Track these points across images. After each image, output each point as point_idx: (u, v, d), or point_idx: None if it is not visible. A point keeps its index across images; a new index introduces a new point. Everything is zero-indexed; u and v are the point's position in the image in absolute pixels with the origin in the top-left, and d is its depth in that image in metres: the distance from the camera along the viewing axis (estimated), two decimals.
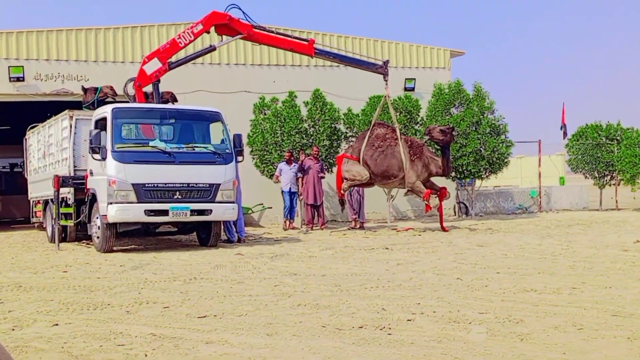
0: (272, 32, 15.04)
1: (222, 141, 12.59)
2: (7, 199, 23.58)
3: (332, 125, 17.73)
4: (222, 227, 13.23)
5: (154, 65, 13.47)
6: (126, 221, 11.76)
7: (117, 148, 11.64)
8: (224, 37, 14.64)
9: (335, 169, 17.33)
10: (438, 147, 15.58)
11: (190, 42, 14.04)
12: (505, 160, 18.87)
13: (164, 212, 11.66)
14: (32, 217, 17.30)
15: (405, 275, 8.27)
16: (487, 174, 18.97)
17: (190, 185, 11.87)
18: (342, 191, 15.72)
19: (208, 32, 14.26)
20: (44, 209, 15.41)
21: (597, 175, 22.40)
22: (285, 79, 19.68)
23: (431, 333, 5.19)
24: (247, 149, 16.15)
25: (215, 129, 12.92)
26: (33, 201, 17.02)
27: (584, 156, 22.29)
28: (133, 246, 13.23)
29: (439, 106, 18.73)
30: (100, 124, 12.09)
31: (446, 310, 5.97)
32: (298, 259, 10.35)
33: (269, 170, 17.35)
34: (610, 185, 22.68)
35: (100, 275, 8.87)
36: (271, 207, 18.60)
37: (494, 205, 22.31)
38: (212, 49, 14.73)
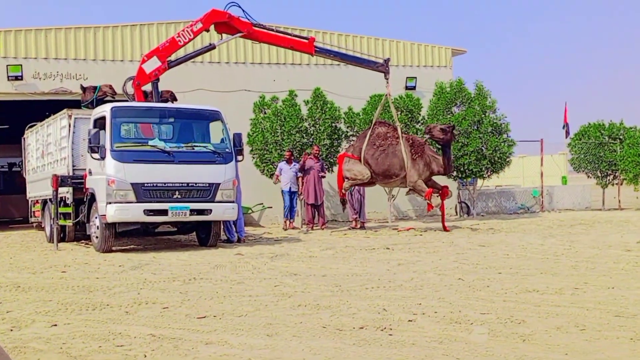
0: (272, 30, 15.03)
1: (222, 140, 12.58)
2: (5, 198, 23.58)
3: (333, 124, 17.72)
4: (222, 227, 13.23)
5: (153, 64, 13.47)
6: (125, 221, 11.76)
7: (116, 147, 11.64)
8: (224, 35, 14.64)
9: (335, 168, 17.34)
10: (439, 147, 15.57)
11: (190, 40, 14.04)
12: (507, 159, 18.87)
13: (163, 212, 11.66)
14: (31, 216, 17.30)
15: (406, 275, 8.27)
16: (489, 173, 18.96)
17: (189, 184, 11.87)
18: (343, 190, 15.72)
19: (208, 31, 14.26)
20: (43, 209, 15.41)
21: (599, 174, 22.41)
22: (285, 77, 19.68)
23: (432, 334, 5.19)
24: (247, 148, 16.16)
25: (215, 128, 12.92)
26: (31, 201, 17.02)
27: (587, 155, 22.29)
28: (132, 246, 13.23)
29: (440, 105, 18.72)
30: (99, 123, 12.09)
31: (447, 311, 5.97)
32: (298, 259, 10.35)
33: (269, 170, 17.35)
34: (612, 184, 22.69)
35: (99, 275, 8.88)
36: (271, 207, 18.60)
37: (495, 205, 22.31)
38: (211, 47, 14.74)
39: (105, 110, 12.04)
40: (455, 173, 18.30)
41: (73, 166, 13.14)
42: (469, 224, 17.10)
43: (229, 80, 19.35)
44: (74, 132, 13.15)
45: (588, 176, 23.05)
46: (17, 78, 17.52)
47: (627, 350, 4.66)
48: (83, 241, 13.88)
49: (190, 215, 11.83)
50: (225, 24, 14.24)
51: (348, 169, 15.47)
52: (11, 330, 5.62)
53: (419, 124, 18.31)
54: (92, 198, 12.16)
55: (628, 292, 6.74)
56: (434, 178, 15.60)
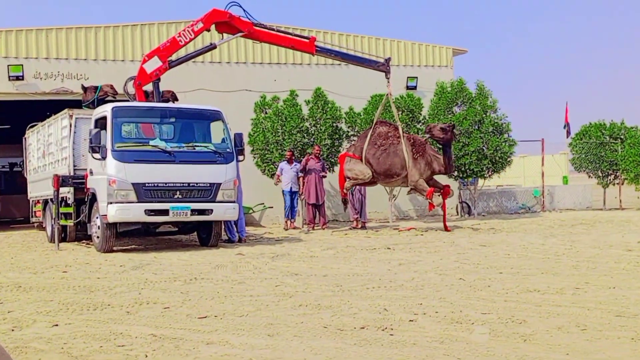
0: (273, 29, 15.03)
1: (223, 140, 12.59)
2: (6, 198, 23.60)
3: (334, 124, 17.72)
4: (223, 226, 13.23)
5: (154, 64, 13.48)
6: (126, 221, 11.77)
7: (117, 147, 11.64)
8: (225, 35, 14.64)
9: (336, 168, 17.34)
10: (440, 146, 15.56)
11: (191, 40, 14.05)
12: (508, 159, 18.86)
13: (165, 212, 11.67)
14: (32, 216, 17.31)
15: (407, 275, 8.28)
16: (490, 173, 18.96)
17: (190, 184, 11.87)
18: (344, 190, 15.73)
19: (208, 30, 14.26)
20: (44, 209, 15.42)
21: (600, 174, 22.40)
22: (286, 77, 19.68)
23: (433, 334, 5.19)
24: (248, 148, 16.15)
25: (216, 128, 12.92)
26: (32, 201, 17.03)
27: (588, 155, 22.28)
28: (133, 246, 13.24)
29: (441, 105, 18.72)
30: (100, 123, 12.10)
31: (448, 311, 5.97)
32: (299, 259, 10.35)
33: (270, 170, 17.35)
34: (614, 184, 22.68)
35: (100, 275, 8.88)
36: (272, 207, 18.60)
37: (496, 204, 22.30)
38: (212, 47, 14.74)
39: (106, 110, 12.05)
40: (456, 173, 18.30)
41: (74, 166, 13.14)
42: (470, 223, 17.09)
43: (230, 80, 19.35)
44: (75, 132, 13.16)
45: (589, 176, 23.03)
46: (18, 78, 17.52)
47: (628, 350, 4.66)
48: (84, 241, 13.89)
49: (191, 215, 11.84)
50: (226, 24, 14.24)
51: (349, 168, 15.47)
52: (12, 330, 5.63)
53: (420, 123, 18.31)
54: (93, 198, 12.17)
55: (629, 292, 6.74)
56: (436, 177, 15.60)
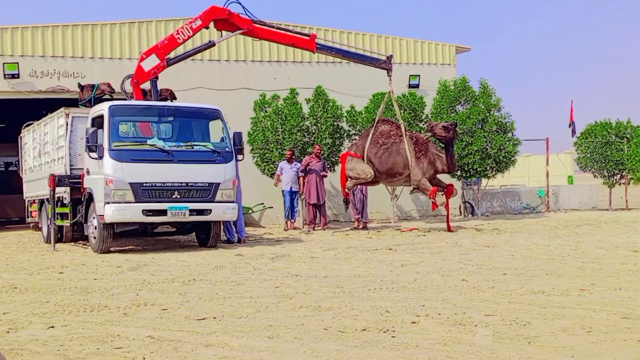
0: (273, 27, 15.03)
1: (222, 139, 12.59)
2: (2, 198, 23.61)
3: (335, 123, 17.71)
4: (222, 227, 13.24)
5: (152, 62, 13.47)
6: (123, 221, 11.76)
7: (115, 146, 11.64)
8: (224, 32, 14.63)
9: (337, 168, 17.33)
10: (442, 145, 15.55)
11: (189, 37, 14.04)
12: (512, 158, 18.85)
13: (162, 212, 11.66)
14: (28, 217, 17.30)
15: (409, 276, 8.27)
16: (494, 172, 18.95)
17: (189, 184, 11.87)
18: (346, 190, 15.72)
19: (207, 28, 14.26)
20: (40, 209, 15.41)
21: (606, 174, 22.40)
22: (286, 75, 19.68)
23: (436, 336, 5.19)
24: (247, 148, 16.15)
25: (214, 127, 12.92)
26: (28, 201, 17.03)
27: (593, 154, 22.28)
28: (131, 247, 13.24)
29: (444, 103, 18.72)
30: (97, 121, 12.10)
31: (451, 313, 5.97)
32: (299, 259, 10.35)
33: (270, 169, 17.35)
34: (620, 184, 22.68)
35: (97, 276, 8.88)
36: (272, 207, 18.60)
37: (500, 204, 22.30)
38: (211, 44, 14.73)
39: (103, 108, 12.05)
40: (459, 172, 18.30)
41: (70, 165, 13.14)
42: (473, 224, 17.09)
43: (229, 78, 19.35)
44: (71, 131, 13.15)
45: (595, 176, 23.03)
46: (13, 76, 17.52)
47: (634, 352, 4.65)
48: (81, 242, 13.89)
49: (189, 215, 11.84)
50: (225, 21, 14.24)
51: (351, 168, 15.47)
52: (7, 332, 5.63)
53: (423, 122, 18.30)
54: (90, 198, 12.17)
55: (635, 294, 6.74)
56: (439, 177, 15.59)
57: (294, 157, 16.73)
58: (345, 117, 18.08)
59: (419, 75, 20.96)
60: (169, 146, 12.03)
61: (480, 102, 18.53)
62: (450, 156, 14.95)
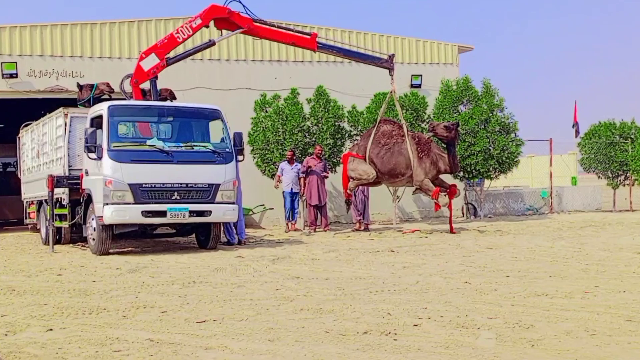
0: (274, 26, 15.04)
1: (222, 140, 12.59)
2: (0, 199, 23.61)
3: (336, 123, 17.71)
4: (222, 228, 13.24)
5: (151, 61, 13.48)
6: (123, 223, 11.76)
7: (114, 147, 11.64)
8: (224, 31, 14.64)
9: (338, 169, 17.34)
10: (443, 145, 15.54)
11: (189, 37, 14.05)
12: (515, 159, 18.84)
13: (162, 213, 11.66)
14: (26, 218, 17.32)
15: (411, 278, 8.28)
16: (497, 173, 18.94)
17: (189, 185, 11.87)
18: (348, 191, 15.71)
19: (207, 27, 14.26)
20: (38, 210, 15.42)
21: (610, 175, 22.39)
22: (287, 75, 19.69)
23: (438, 339, 5.19)
24: (247, 148, 16.16)
25: (214, 127, 12.92)
26: (26, 202, 17.04)
27: (597, 155, 22.27)
28: (130, 248, 13.25)
29: (447, 103, 18.71)
30: (96, 122, 12.10)
31: (454, 315, 5.97)
32: (300, 261, 10.35)
33: (270, 170, 17.35)
34: (624, 185, 22.67)
35: (96, 278, 8.89)
36: (272, 208, 18.60)
37: (503, 206, 22.29)
38: (211, 43, 14.73)
39: (102, 108, 12.05)
40: (461, 173, 18.30)
41: (69, 166, 13.14)
42: (476, 225, 17.09)
43: (230, 77, 19.36)
44: (70, 132, 13.16)
45: (598, 177, 23.02)
46: (11, 76, 17.54)
47: (639, 355, 4.66)
48: (79, 243, 13.90)
49: (189, 216, 11.84)
50: (225, 20, 14.25)
51: (353, 168, 15.46)
52: (6, 334, 5.63)
53: (425, 122, 18.30)
54: (89, 199, 12.17)
55: None
56: (441, 177, 15.58)
57: (294, 157, 16.73)
58: (347, 117, 18.09)
59: (421, 75, 20.97)
60: (169, 147, 12.04)
61: (483, 102, 18.52)
62: (452, 156, 14.94)
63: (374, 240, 13.97)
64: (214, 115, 12.85)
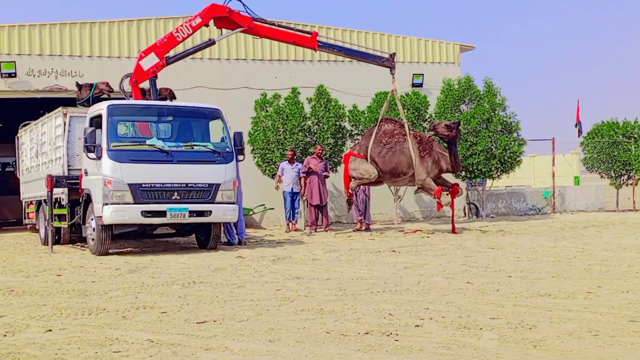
0: (274, 24, 15.04)
1: (222, 139, 12.59)
2: None
3: (337, 122, 17.72)
4: (222, 228, 13.24)
5: (151, 61, 13.48)
6: (122, 223, 11.76)
7: (113, 147, 11.65)
8: (224, 30, 14.65)
9: (339, 169, 17.34)
10: (445, 144, 15.53)
11: (189, 35, 14.05)
12: (518, 159, 18.85)
13: (162, 214, 11.67)
14: (25, 218, 17.33)
15: (413, 279, 8.27)
16: (499, 173, 18.94)
17: (189, 185, 11.88)
18: (350, 190, 15.71)
19: (207, 26, 14.27)
20: (37, 210, 15.44)
21: (613, 174, 22.38)
22: (287, 74, 19.70)
23: (440, 339, 5.19)
24: (248, 148, 16.15)
25: (215, 127, 12.93)
26: (25, 202, 17.06)
27: (600, 155, 22.26)
28: (129, 249, 13.25)
29: (448, 103, 18.71)
30: (95, 121, 12.11)
31: (456, 316, 5.97)
32: (301, 262, 10.36)
33: (271, 170, 17.36)
34: (627, 185, 22.65)
35: (95, 279, 8.89)
36: (273, 208, 18.61)
37: (505, 206, 22.29)
38: (211, 42, 14.73)
39: (101, 108, 12.06)
40: (463, 173, 18.30)
41: (68, 166, 13.15)
42: (478, 225, 17.08)
43: (230, 77, 19.37)
44: (69, 131, 13.17)
45: (601, 176, 23.01)
46: (10, 75, 17.56)
47: None
48: (79, 244, 13.91)
49: (189, 216, 11.84)
50: (225, 19, 14.25)
51: (354, 168, 15.46)
52: (5, 335, 5.64)
53: (426, 122, 18.29)
54: (88, 199, 12.17)
55: None
56: (443, 176, 15.58)
57: (295, 157, 16.73)
58: (348, 116, 18.10)
59: (423, 74, 20.97)
60: (169, 146, 12.04)
61: (485, 101, 18.52)
62: (454, 155, 14.92)
63: (375, 240, 13.96)
64: (214, 114, 12.86)
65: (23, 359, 4.92)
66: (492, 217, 20.77)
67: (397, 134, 15.27)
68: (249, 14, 14.39)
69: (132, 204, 11.51)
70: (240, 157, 12.77)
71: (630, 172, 22.22)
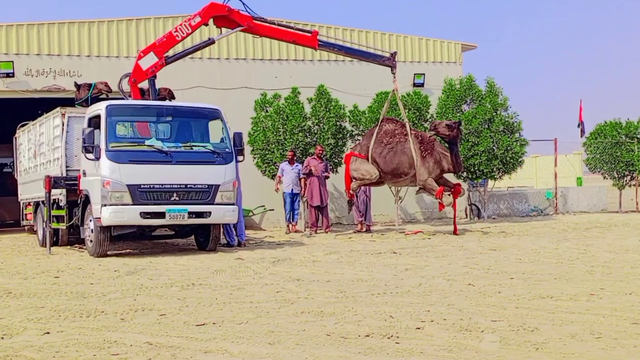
0: (274, 24, 15.04)
1: (222, 140, 12.60)
2: None
3: (338, 122, 17.72)
4: (222, 230, 13.24)
5: (150, 60, 13.49)
6: (121, 224, 11.76)
7: (112, 147, 11.65)
8: (223, 29, 14.65)
9: (340, 169, 17.35)
10: (446, 144, 15.53)
11: (188, 35, 14.06)
12: (520, 159, 18.84)
13: (161, 215, 11.67)
14: (23, 219, 17.33)
15: (414, 280, 8.28)
16: (501, 174, 18.93)
17: (188, 186, 11.88)
18: (351, 191, 15.71)
19: (206, 25, 14.28)
20: (35, 212, 15.44)
21: (616, 175, 22.37)
22: (288, 74, 19.70)
23: (441, 342, 5.19)
24: (247, 148, 16.16)
25: (214, 127, 12.93)
26: (23, 203, 17.06)
27: (603, 155, 22.25)
28: (128, 250, 13.25)
29: (450, 103, 18.71)
30: (94, 121, 12.11)
31: (457, 318, 5.97)
32: (301, 263, 10.36)
33: (271, 171, 17.36)
34: (630, 185, 22.65)
35: (94, 280, 8.90)
36: (273, 209, 18.62)
37: (507, 207, 22.29)
38: (210, 42, 14.74)
39: (100, 108, 12.06)
40: (465, 174, 18.30)
41: (66, 167, 13.15)
42: (479, 227, 17.08)
43: (229, 77, 19.37)
44: (67, 132, 13.17)
45: (604, 177, 23.00)
46: (8, 75, 17.57)
47: None
48: (77, 245, 13.91)
49: (188, 218, 11.84)
50: (224, 18, 14.26)
51: (355, 168, 15.46)
52: (2, 338, 5.64)
53: (427, 122, 18.29)
54: (87, 200, 12.18)
55: None
56: (445, 176, 15.58)
57: (295, 158, 16.73)
58: (348, 116, 18.10)
59: (424, 74, 20.96)
60: (168, 147, 12.04)
61: (487, 101, 18.52)
62: (455, 155, 14.91)
63: (376, 241, 13.97)
64: (214, 115, 12.86)
65: None
66: (493, 218, 20.78)
67: (398, 134, 15.27)
68: (249, 12, 14.40)
69: (131, 205, 11.51)
70: (240, 158, 12.77)
71: (633, 173, 22.21)
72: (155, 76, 13.54)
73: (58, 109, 13.52)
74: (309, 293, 7.51)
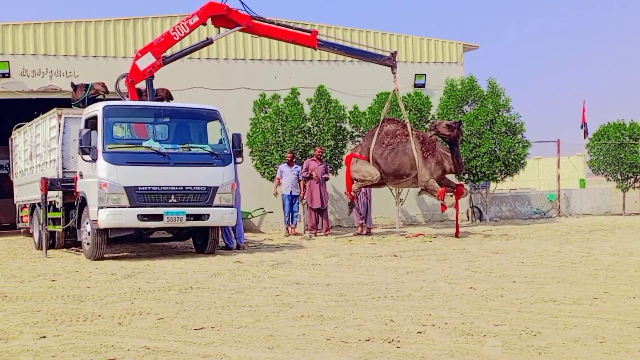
0: (273, 23, 15.05)
1: (220, 141, 12.60)
2: None
3: (337, 124, 17.73)
4: (220, 232, 13.24)
5: (147, 60, 13.49)
6: (118, 227, 11.77)
7: (109, 149, 11.65)
8: (222, 29, 14.66)
9: (340, 171, 17.35)
10: (446, 144, 15.53)
11: (186, 35, 14.07)
12: (522, 161, 18.84)
13: (158, 217, 11.67)
14: (19, 222, 17.32)
15: (415, 284, 8.28)
16: (503, 176, 18.94)
17: (186, 188, 11.88)
18: (352, 193, 15.70)
19: (205, 24, 14.30)
20: (31, 214, 15.42)
21: (620, 177, 22.37)
22: (287, 74, 19.70)
23: (443, 346, 5.19)
24: (246, 150, 16.16)
25: (212, 128, 12.94)
26: (19, 205, 17.05)
27: (606, 157, 22.25)
28: (125, 253, 13.26)
29: (451, 103, 18.71)
30: (91, 123, 12.11)
31: (459, 322, 5.98)
32: (301, 267, 10.36)
33: (270, 172, 17.36)
34: (634, 188, 22.65)
35: (91, 284, 8.90)
36: (272, 212, 18.61)
37: (509, 209, 22.29)
38: (209, 42, 14.75)
39: (97, 109, 12.06)
40: (466, 175, 18.30)
41: (63, 169, 13.15)
42: (481, 229, 17.09)
43: (228, 77, 19.37)
44: (64, 133, 13.17)
45: (608, 179, 23.01)
46: (4, 75, 17.56)
47: None
48: (73, 248, 13.90)
49: (186, 220, 11.84)
50: (223, 17, 14.26)
51: (356, 169, 15.46)
52: None
53: (428, 123, 18.28)
54: (83, 202, 12.18)
55: None
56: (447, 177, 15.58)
57: (294, 159, 16.73)
58: (349, 117, 18.10)
59: (425, 74, 20.97)
60: (165, 148, 12.04)
61: (489, 102, 18.52)
62: (456, 156, 14.90)
63: (377, 244, 13.97)
64: (212, 116, 12.86)
65: None
66: (495, 220, 20.78)
67: (399, 135, 15.26)
68: (248, 12, 14.40)
69: (128, 207, 11.51)
70: (239, 160, 12.78)
71: (637, 175, 22.22)
72: (152, 77, 13.54)
73: (54, 109, 13.53)
74: (308, 297, 7.51)
